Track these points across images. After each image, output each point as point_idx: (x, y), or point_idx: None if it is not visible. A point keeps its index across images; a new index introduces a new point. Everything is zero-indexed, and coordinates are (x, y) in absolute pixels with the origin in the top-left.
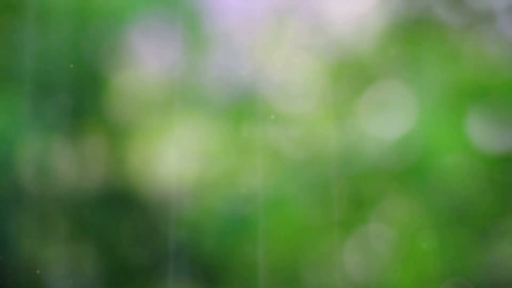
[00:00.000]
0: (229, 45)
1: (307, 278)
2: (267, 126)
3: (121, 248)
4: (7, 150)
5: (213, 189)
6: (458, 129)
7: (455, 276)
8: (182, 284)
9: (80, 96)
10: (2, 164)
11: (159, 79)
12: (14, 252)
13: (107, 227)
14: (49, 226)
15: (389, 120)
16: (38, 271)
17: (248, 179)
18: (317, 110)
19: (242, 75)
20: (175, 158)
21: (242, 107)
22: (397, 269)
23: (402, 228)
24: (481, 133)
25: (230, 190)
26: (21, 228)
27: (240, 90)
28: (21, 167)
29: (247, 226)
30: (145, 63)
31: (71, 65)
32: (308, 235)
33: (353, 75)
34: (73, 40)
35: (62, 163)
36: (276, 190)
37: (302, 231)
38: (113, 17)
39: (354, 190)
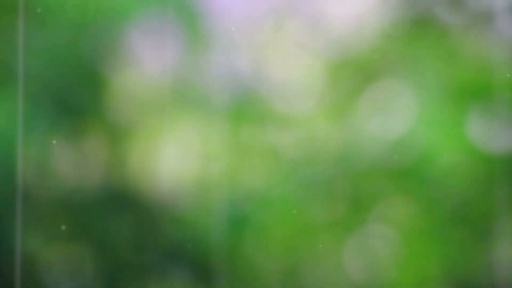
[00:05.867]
0: (229, 45)
1: (307, 277)
2: (267, 126)
3: (121, 248)
4: (7, 150)
5: (213, 189)
6: (458, 129)
7: (455, 276)
8: (181, 284)
9: (80, 96)
10: (2, 164)
11: (159, 79)
12: (14, 252)
13: (107, 227)
14: (49, 226)
15: (389, 119)
16: (36, 273)
17: (248, 179)
18: (317, 110)
19: (242, 75)
20: (175, 158)
21: (242, 107)
22: (397, 269)
23: (402, 228)
24: (481, 133)
25: (230, 190)
26: (21, 228)
27: (240, 90)
28: (21, 167)
29: (247, 226)
30: (145, 63)
31: (72, 66)
32: (308, 235)
33: (353, 75)
34: (73, 40)
35: (62, 163)
36: (276, 190)
37: (302, 231)
38: (113, 17)
39: (354, 189)
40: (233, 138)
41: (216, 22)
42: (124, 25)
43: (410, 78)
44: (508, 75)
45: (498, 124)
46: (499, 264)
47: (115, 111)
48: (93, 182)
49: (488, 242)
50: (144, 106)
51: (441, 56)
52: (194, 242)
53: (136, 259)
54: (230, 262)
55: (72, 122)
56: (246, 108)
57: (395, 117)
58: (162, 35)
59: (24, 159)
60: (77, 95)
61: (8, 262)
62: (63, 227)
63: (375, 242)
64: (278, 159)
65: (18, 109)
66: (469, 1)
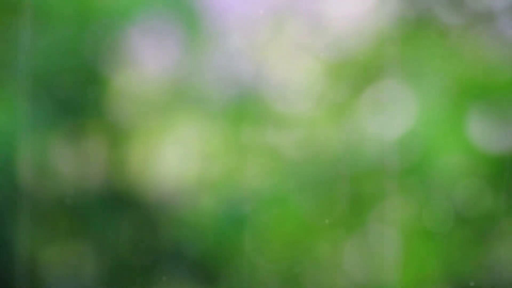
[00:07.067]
0: (229, 45)
1: (307, 278)
2: (267, 126)
3: (121, 248)
4: (7, 150)
5: (213, 189)
6: (458, 129)
7: (455, 276)
8: (182, 284)
9: (80, 96)
10: (2, 164)
11: (159, 79)
12: (14, 252)
13: (107, 227)
14: (49, 226)
15: (389, 120)
16: (36, 273)
17: (248, 179)
18: (317, 110)
19: (242, 75)
20: (175, 158)
21: (242, 107)
22: (397, 269)
23: (402, 228)
24: (481, 133)
25: (230, 190)
26: (21, 228)
27: (240, 90)
28: (21, 167)
29: (247, 226)
30: (145, 63)
31: (72, 67)
32: (308, 235)
33: (353, 75)
34: (73, 40)
35: (62, 163)
36: (276, 190)
37: (302, 231)
38: (113, 17)
39: (354, 190)
40: (233, 138)
41: (216, 22)
42: (124, 25)
43: (410, 78)
44: (508, 75)
45: (498, 124)
46: (499, 264)
47: (115, 111)
48: (93, 182)
49: (488, 242)
50: (144, 106)
51: (441, 56)
52: (194, 242)
53: (136, 259)
54: (230, 262)
55: (72, 122)
56: (246, 108)
57: (395, 117)
58: (162, 35)
59: (24, 159)
60: (77, 95)
61: (8, 262)
62: (63, 227)
63: (375, 242)
64: (278, 159)
65: (18, 109)
66: (469, 1)
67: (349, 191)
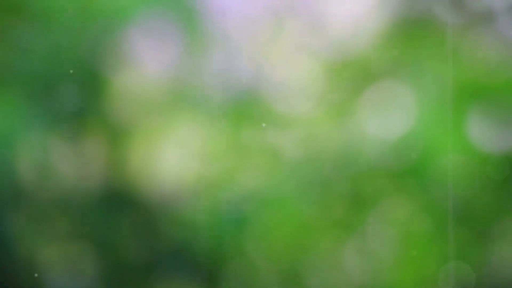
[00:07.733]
0: (229, 45)
1: (307, 278)
2: (267, 126)
3: (121, 247)
4: (7, 150)
5: (213, 189)
6: (458, 129)
7: (455, 276)
8: (182, 284)
9: (81, 96)
10: (2, 164)
11: (159, 79)
12: (14, 252)
13: (107, 227)
14: (49, 226)
15: (389, 120)
16: (36, 273)
17: (248, 179)
18: (317, 110)
19: (242, 76)
20: (175, 158)
21: (242, 107)
22: (397, 269)
23: (402, 228)
24: (481, 133)
25: (230, 190)
26: (21, 228)
27: (240, 91)
28: (21, 167)
29: (247, 226)
30: (145, 63)
31: (72, 67)
32: (308, 235)
33: (353, 75)
34: (74, 40)
35: (62, 163)
36: (276, 190)
37: (302, 231)
38: (113, 17)
39: (354, 190)
40: (233, 138)
41: (216, 22)
42: (124, 25)
43: (410, 78)
44: (508, 75)
45: (498, 124)
46: (499, 264)
47: (115, 111)
48: (93, 182)
49: (488, 242)
50: (144, 106)
51: (441, 56)
52: (194, 242)
53: (136, 259)
54: (230, 262)
55: (72, 122)
56: (246, 108)
57: (395, 117)
58: (162, 35)
59: (24, 159)
60: (77, 95)
61: (8, 262)
62: (63, 227)
63: (375, 242)
64: (278, 159)
65: (18, 109)
66: (469, 1)
67: (349, 191)
